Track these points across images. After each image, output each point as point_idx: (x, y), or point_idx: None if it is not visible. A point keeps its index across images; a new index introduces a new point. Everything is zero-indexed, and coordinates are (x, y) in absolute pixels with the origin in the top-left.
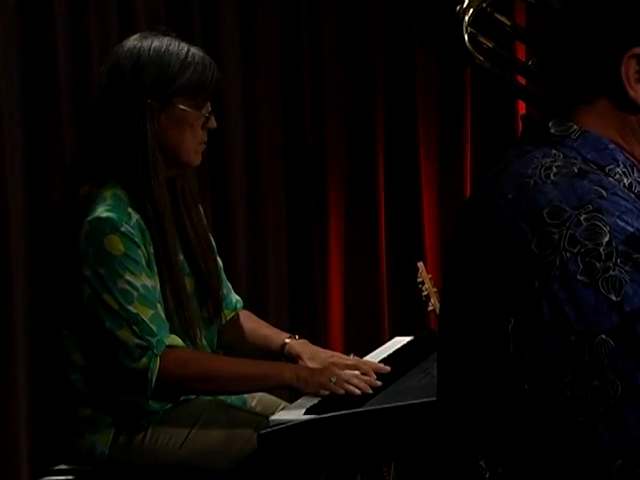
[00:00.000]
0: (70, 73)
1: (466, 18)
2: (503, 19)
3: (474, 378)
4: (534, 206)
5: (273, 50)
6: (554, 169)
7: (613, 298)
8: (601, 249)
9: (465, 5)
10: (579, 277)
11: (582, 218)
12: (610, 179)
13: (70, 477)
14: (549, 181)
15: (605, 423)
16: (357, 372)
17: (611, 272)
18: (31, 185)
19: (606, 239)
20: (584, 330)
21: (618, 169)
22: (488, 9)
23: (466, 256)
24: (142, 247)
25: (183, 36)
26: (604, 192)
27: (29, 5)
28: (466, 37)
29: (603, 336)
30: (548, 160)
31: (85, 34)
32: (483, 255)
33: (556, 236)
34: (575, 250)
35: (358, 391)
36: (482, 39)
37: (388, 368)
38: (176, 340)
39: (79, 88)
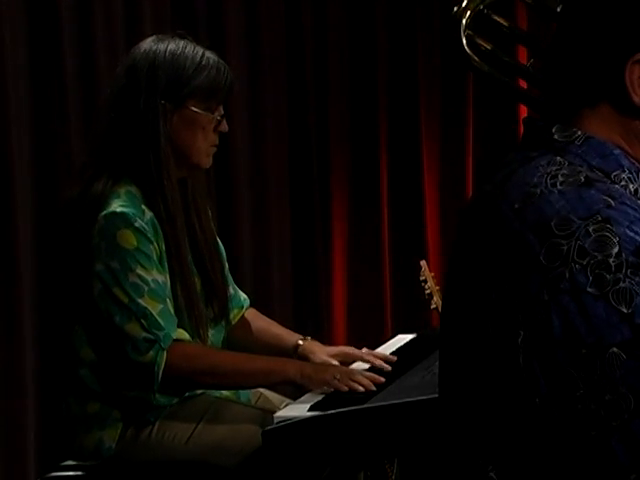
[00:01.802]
0: (76, 73)
1: (464, 20)
2: (501, 20)
3: (483, 389)
4: (541, 217)
5: (278, 49)
6: (560, 177)
7: (624, 310)
8: (611, 260)
9: (463, 6)
10: (589, 289)
11: (591, 229)
12: (616, 186)
13: (77, 473)
14: (556, 190)
15: (618, 437)
16: (362, 368)
17: (621, 284)
18: (38, 184)
19: (616, 250)
20: (595, 343)
21: (624, 175)
22: (485, 11)
23: (472, 263)
24: (154, 243)
25: (188, 34)
26: (612, 201)
27: (36, 5)
28: (464, 40)
29: (614, 349)
30: (553, 168)
31: (91, 33)
32: (490, 265)
33: (565, 248)
34: (584, 262)
35: (361, 388)
36: (480, 41)
37: (395, 358)
38: (183, 334)
39: (85, 88)
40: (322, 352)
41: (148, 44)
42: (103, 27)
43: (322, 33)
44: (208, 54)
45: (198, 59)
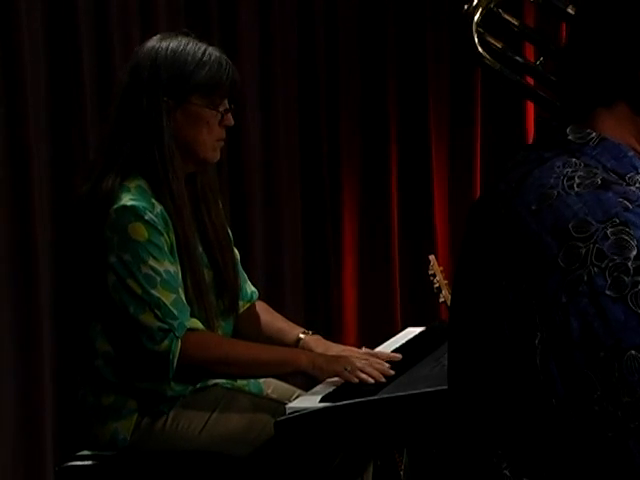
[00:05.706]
0: (94, 73)
1: (475, 18)
2: (511, 19)
3: (497, 388)
4: (559, 219)
5: (290, 50)
6: (577, 179)
7: None
8: (629, 263)
9: (474, 4)
10: (607, 292)
11: (609, 232)
12: (632, 188)
13: (92, 462)
14: (573, 193)
15: (636, 439)
16: (371, 361)
17: None
18: (55, 181)
19: (634, 253)
20: (613, 346)
21: (638, 177)
22: (495, 9)
23: (485, 262)
24: (165, 235)
25: (201, 36)
26: (629, 204)
27: (53, 6)
28: (475, 38)
29: (633, 352)
30: (569, 170)
31: (107, 30)
32: (506, 266)
33: (583, 250)
34: (603, 265)
35: (372, 380)
36: (491, 39)
37: (399, 356)
38: (197, 323)
39: (102, 87)
40: (323, 351)
41: (151, 43)
42: (118, 28)
43: (333, 31)
44: (210, 50)
45: (199, 55)
